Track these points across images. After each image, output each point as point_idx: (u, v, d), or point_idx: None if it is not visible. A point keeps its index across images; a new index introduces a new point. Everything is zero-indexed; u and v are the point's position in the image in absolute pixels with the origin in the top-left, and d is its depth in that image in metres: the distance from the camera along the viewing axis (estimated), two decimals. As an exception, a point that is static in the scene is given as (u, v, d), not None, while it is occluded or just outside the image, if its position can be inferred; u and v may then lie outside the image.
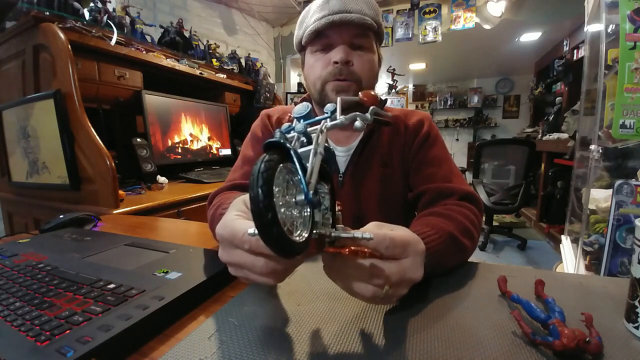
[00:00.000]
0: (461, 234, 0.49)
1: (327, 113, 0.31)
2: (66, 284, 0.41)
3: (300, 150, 0.28)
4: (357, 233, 0.30)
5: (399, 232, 0.34)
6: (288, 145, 0.26)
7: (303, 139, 0.30)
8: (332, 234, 0.30)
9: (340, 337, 0.33)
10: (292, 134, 0.30)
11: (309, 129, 0.30)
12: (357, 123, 0.31)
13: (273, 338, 0.33)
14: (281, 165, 0.25)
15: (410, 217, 0.72)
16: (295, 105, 0.39)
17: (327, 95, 0.67)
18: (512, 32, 3.85)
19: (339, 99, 0.32)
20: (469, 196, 0.61)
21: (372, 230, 0.32)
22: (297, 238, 0.26)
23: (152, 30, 1.81)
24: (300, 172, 0.26)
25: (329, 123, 0.30)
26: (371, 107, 0.34)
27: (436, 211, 0.55)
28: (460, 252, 0.49)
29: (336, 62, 0.64)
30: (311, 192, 0.25)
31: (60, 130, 1.14)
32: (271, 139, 0.26)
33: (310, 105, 0.33)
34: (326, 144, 0.30)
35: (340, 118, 0.31)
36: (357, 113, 0.32)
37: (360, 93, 0.35)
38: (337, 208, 0.34)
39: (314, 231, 0.28)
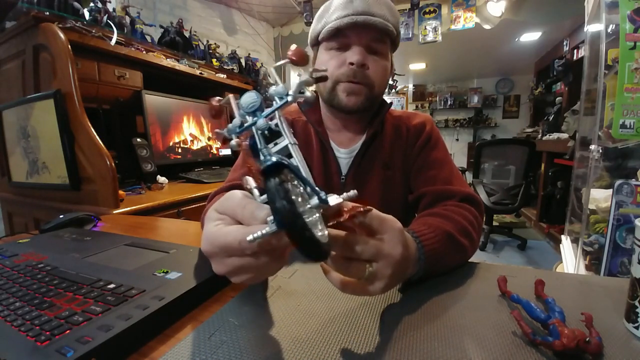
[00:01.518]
0: (459, 234, 0.49)
1: (278, 98, 0.28)
2: (66, 284, 0.41)
3: (279, 148, 0.27)
4: (342, 196, 0.29)
5: (379, 212, 0.34)
6: (285, 162, 0.25)
7: (266, 132, 0.28)
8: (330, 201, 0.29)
9: (339, 336, 0.33)
10: (253, 131, 0.28)
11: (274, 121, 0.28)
12: (307, 93, 0.28)
13: (273, 338, 0.33)
14: (281, 175, 0.25)
15: (410, 219, 0.73)
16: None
17: (338, 96, 0.66)
18: (512, 32, 3.85)
19: (271, 68, 0.31)
20: (470, 198, 0.61)
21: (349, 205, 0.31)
22: (322, 239, 0.26)
23: (152, 30, 1.81)
24: (302, 177, 0.26)
25: (280, 101, 0.28)
26: (311, 69, 0.31)
27: (435, 212, 0.55)
28: (459, 252, 0.49)
29: (351, 64, 0.63)
30: (323, 192, 0.26)
31: (60, 130, 1.14)
32: (268, 164, 0.25)
33: (259, 94, 0.29)
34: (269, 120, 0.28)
35: (289, 94, 0.28)
36: (299, 81, 0.29)
37: (288, 52, 0.31)
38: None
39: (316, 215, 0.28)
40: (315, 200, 0.26)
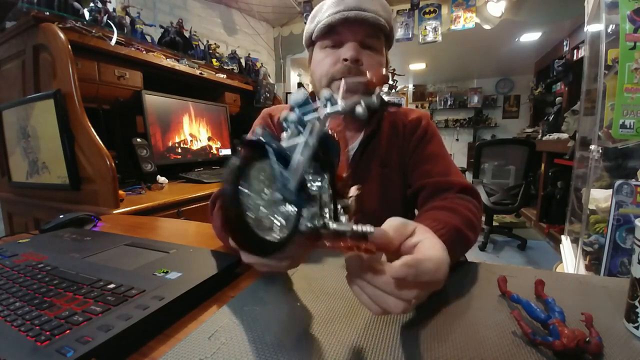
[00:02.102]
0: (466, 228, 0.49)
1: (324, 100, 0.28)
2: (66, 284, 0.41)
3: (292, 143, 0.26)
4: (358, 227, 0.27)
5: (429, 252, 0.31)
6: (263, 140, 0.25)
7: (300, 128, 0.28)
8: (330, 227, 0.28)
9: (339, 336, 0.33)
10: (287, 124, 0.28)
11: (307, 118, 0.28)
12: (359, 108, 0.27)
13: (273, 338, 0.33)
14: (259, 162, 0.24)
15: (410, 214, 0.72)
16: None
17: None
18: (512, 32, 3.85)
19: (343, 80, 0.30)
20: (468, 189, 0.61)
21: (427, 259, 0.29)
22: (274, 236, 0.24)
23: (152, 30, 1.81)
24: (275, 169, 0.25)
25: (328, 109, 0.27)
26: (377, 89, 0.30)
27: (440, 205, 0.54)
28: (465, 246, 0.49)
29: (346, 60, 0.63)
30: (293, 188, 0.25)
31: (60, 130, 1.14)
32: (250, 138, 0.25)
33: (306, 92, 0.30)
34: (330, 132, 0.29)
35: (340, 103, 0.27)
36: (360, 97, 0.28)
37: (368, 73, 0.32)
38: (352, 195, 0.32)
39: (307, 224, 0.27)
40: (277, 195, 0.25)
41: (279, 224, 0.25)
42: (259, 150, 0.25)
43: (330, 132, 0.30)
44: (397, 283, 0.28)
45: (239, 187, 0.22)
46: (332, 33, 0.65)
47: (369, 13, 0.62)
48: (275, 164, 0.25)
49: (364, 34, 0.64)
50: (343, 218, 0.32)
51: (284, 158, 0.25)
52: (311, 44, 0.71)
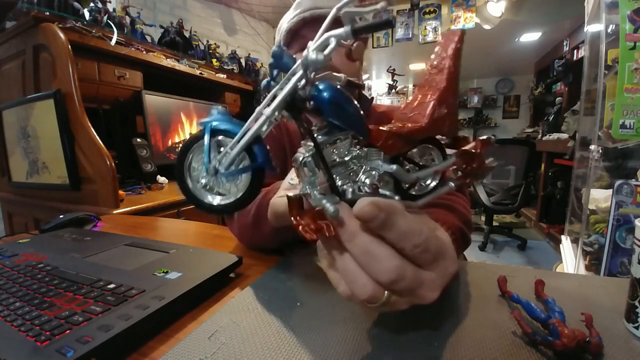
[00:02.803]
0: (466, 227, 0.48)
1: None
2: (66, 284, 0.41)
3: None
4: (328, 203, 0.23)
5: (441, 236, 0.27)
6: (202, 121, 0.29)
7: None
8: (312, 200, 0.25)
9: (339, 336, 0.33)
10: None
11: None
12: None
13: (273, 338, 0.33)
14: (202, 140, 0.29)
15: None
16: None
17: None
18: (512, 32, 3.85)
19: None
20: (459, 186, 0.61)
21: (410, 219, 0.23)
22: (219, 200, 0.30)
23: (152, 30, 1.81)
24: (204, 150, 0.28)
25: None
26: (343, 76, 0.27)
27: (437, 203, 0.54)
28: (465, 245, 0.49)
29: None
30: (210, 165, 0.28)
31: (60, 130, 1.14)
32: (201, 121, 0.29)
33: (282, 48, 0.26)
34: (335, 83, 0.25)
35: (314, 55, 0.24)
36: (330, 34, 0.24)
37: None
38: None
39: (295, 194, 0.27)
40: (210, 169, 0.28)
41: (222, 192, 0.30)
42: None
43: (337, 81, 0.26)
44: (370, 251, 0.22)
45: (184, 161, 0.30)
46: (297, 37, 0.67)
47: (324, 10, 0.63)
48: (205, 144, 0.28)
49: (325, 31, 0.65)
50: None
51: (228, 131, 0.28)
52: None
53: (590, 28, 1.64)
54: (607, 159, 1.27)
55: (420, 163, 0.30)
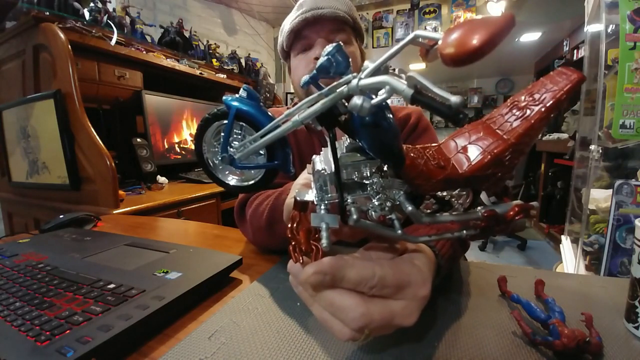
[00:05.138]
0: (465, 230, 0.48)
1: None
2: (66, 284, 0.41)
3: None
4: (325, 233, 0.23)
5: (399, 266, 0.27)
6: (227, 100, 0.29)
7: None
8: (313, 218, 0.24)
9: (340, 337, 0.33)
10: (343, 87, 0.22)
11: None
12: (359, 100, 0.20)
13: (273, 338, 0.33)
14: (219, 122, 0.30)
15: None
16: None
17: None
18: (512, 32, 3.82)
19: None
20: None
21: (359, 267, 0.24)
22: (230, 178, 0.33)
23: (152, 30, 1.81)
24: (225, 136, 0.29)
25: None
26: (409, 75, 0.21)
27: None
28: (463, 250, 0.49)
29: (316, 58, 0.65)
30: (227, 154, 0.29)
31: (60, 130, 1.14)
32: (225, 98, 0.29)
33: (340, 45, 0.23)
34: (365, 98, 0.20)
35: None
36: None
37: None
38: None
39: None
40: (226, 157, 0.29)
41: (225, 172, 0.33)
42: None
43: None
44: (334, 304, 0.24)
45: (203, 139, 0.32)
46: (299, 38, 0.68)
47: (325, 10, 0.64)
48: (226, 130, 0.29)
49: (328, 31, 0.66)
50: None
51: (252, 121, 0.28)
52: (287, 56, 0.74)
53: (590, 28, 1.64)
54: (607, 159, 1.27)
55: (445, 198, 0.28)
